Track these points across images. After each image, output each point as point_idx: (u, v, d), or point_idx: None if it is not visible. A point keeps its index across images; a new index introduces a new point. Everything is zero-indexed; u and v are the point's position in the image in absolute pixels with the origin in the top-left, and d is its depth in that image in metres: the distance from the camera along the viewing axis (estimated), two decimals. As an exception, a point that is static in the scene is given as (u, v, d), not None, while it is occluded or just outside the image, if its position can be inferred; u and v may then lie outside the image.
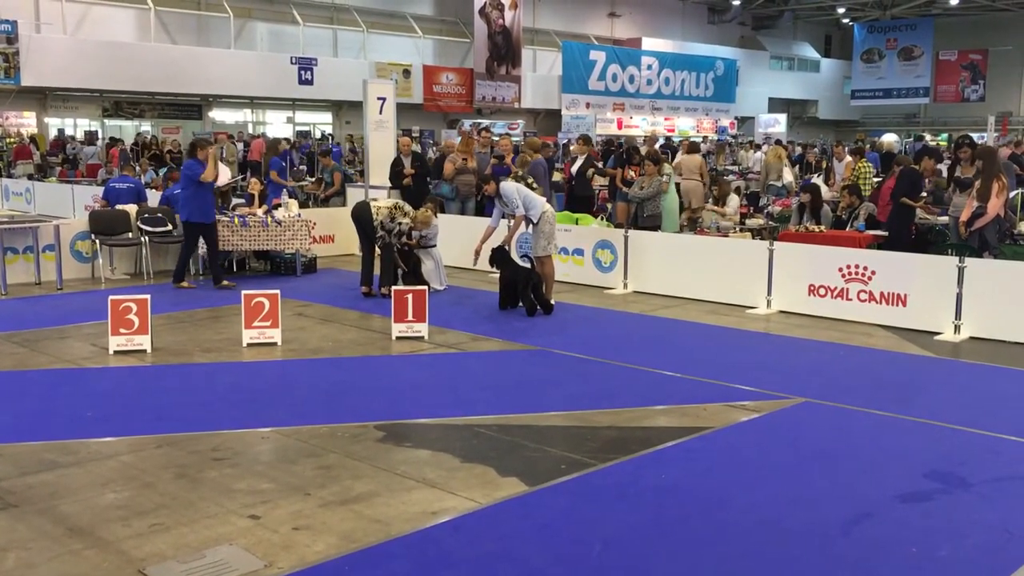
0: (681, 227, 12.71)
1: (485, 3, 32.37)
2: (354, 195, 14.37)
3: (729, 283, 9.95)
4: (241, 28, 28.48)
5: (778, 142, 21.52)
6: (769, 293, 9.67)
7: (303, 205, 15.41)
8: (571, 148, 14.77)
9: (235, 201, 12.85)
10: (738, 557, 4.03)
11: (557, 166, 15.01)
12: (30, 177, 21.25)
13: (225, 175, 10.49)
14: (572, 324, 9.11)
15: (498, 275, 9.80)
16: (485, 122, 30.76)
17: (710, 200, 13.58)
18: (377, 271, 10.40)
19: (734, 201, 12.95)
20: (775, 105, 42.41)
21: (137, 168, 19.44)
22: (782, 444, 5.55)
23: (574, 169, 13.95)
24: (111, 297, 7.78)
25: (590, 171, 13.74)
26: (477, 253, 9.68)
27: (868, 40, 45.05)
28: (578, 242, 11.29)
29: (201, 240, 11.16)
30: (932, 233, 11.38)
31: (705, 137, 32.87)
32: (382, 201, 10.55)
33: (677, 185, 15.62)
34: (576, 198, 13.79)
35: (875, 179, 14.72)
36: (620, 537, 4.21)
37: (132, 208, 12.16)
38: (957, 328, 8.52)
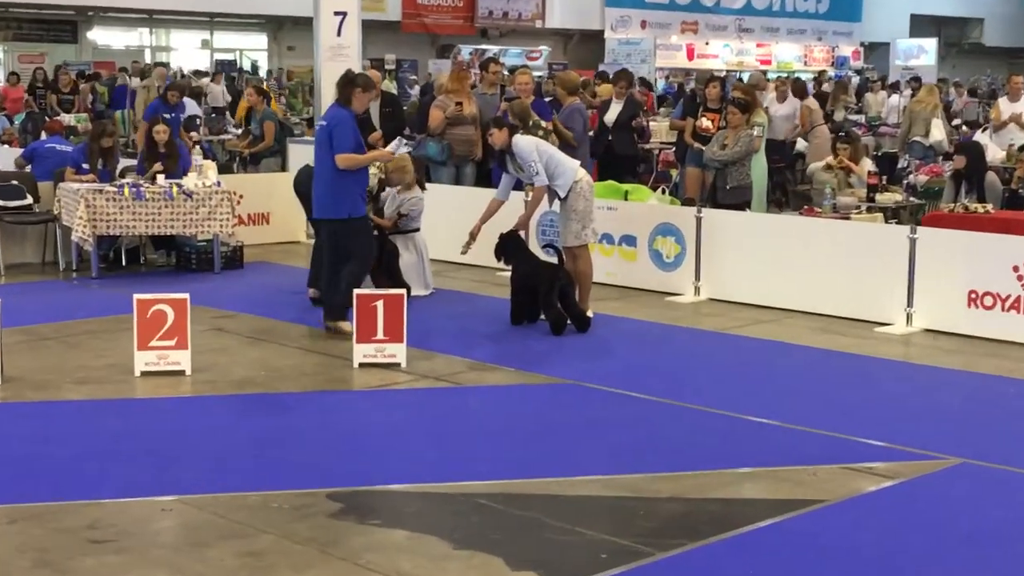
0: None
1: None
2: (298, 155, 14.36)
3: (850, 288, 9.91)
4: (135, -93, 28.59)
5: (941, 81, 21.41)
6: (909, 303, 9.63)
7: (225, 169, 15.47)
8: (598, 91, 14.71)
9: (123, 163, 12.86)
10: None
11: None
12: None
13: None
14: (617, 346, 9.09)
15: (509, 274, 9.81)
16: (493, 49, 30.79)
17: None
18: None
19: (867, 167, 12.90)
20: (920, 26, 42.22)
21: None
22: (929, 526, 5.53)
23: (608, 118, 13.94)
24: (-58, 303, 7.82)
25: (638, 121, 13.80)
26: (473, 236, 9.66)
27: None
28: (628, 226, 11.28)
29: (80, 221, 11.15)
30: None
31: (821, 73, 32.71)
32: None
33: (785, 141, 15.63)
34: (613, 160, 13.78)
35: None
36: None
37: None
38: None
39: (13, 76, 24.16)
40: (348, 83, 9.35)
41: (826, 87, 25.03)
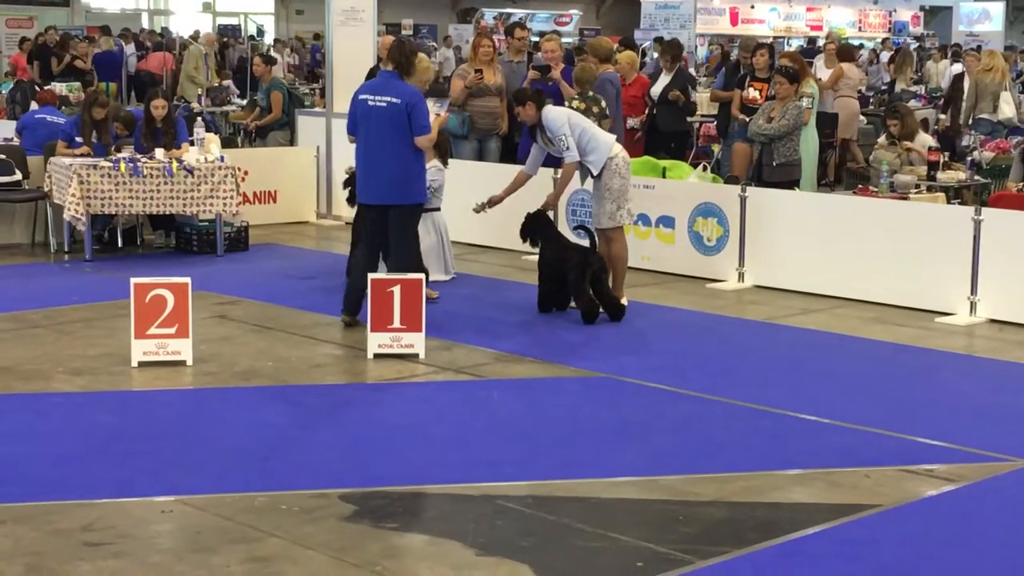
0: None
1: None
2: (307, 128, 14.39)
3: (909, 275, 9.88)
4: None
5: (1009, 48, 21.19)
6: (973, 291, 9.59)
7: (229, 143, 15.50)
8: (618, 58, 14.53)
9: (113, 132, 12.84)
10: None
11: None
12: None
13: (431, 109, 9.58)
14: (654, 337, 9.10)
15: (536, 258, 9.82)
16: (519, 13, 30.77)
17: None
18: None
19: (923, 142, 12.83)
20: (986, -12, 41.94)
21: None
22: (994, 534, 5.51)
23: (655, 91, 13.96)
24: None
25: (674, 93, 13.76)
26: (492, 203, 9.67)
27: None
28: (666, 206, 11.26)
29: (72, 197, 11.21)
30: None
31: (885, 41, 32.50)
32: None
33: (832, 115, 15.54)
34: (657, 136, 13.80)
35: None
36: None
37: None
38: None
39: (29, 43, 24.09)
40: (412, 53, 9.31)
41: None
